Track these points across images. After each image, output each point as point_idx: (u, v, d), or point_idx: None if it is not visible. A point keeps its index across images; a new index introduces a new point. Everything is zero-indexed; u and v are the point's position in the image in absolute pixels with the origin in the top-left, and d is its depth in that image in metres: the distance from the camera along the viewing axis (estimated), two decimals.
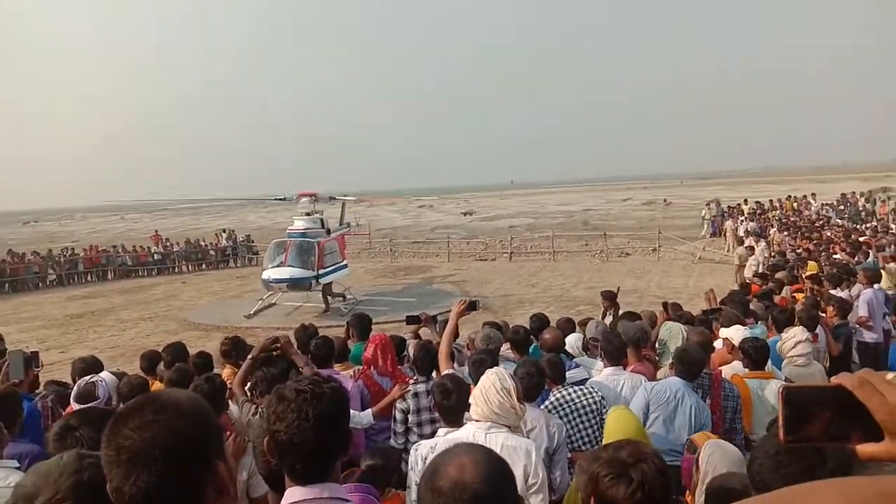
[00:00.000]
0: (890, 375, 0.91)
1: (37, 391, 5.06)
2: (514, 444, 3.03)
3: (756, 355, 4.91)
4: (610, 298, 9.10)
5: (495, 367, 3.48)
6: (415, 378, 4.79)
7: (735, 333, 5.35)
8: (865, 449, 0.88)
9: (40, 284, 27.92)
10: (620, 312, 7.79)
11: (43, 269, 28.48)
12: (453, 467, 1.47)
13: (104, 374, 4.53)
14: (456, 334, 5.46)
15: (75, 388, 4.33)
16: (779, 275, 10.93)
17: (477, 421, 3.12)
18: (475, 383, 3.54)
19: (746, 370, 4.99)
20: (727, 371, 5.04)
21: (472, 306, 5.14)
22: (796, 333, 5.60)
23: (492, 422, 3.08)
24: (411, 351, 5.87)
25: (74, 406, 4.17)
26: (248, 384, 4.25)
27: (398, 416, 4.61)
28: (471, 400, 3.22)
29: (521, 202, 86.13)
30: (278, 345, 4.31)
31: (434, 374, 4.72)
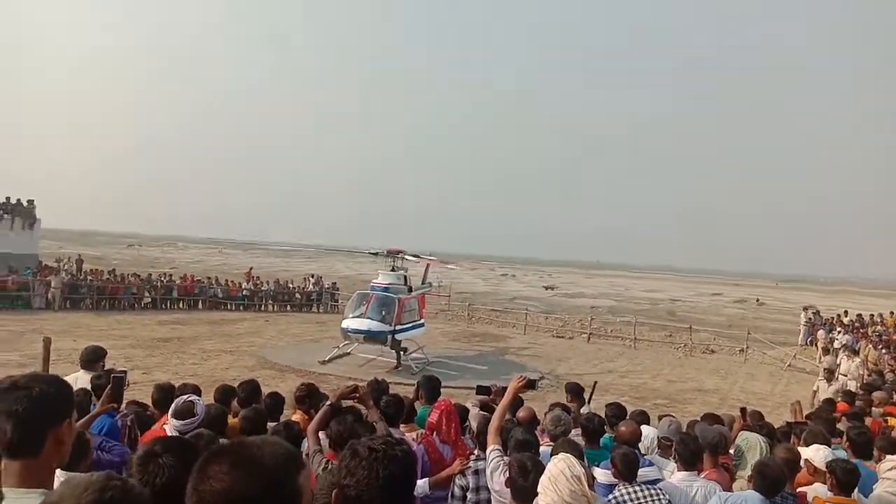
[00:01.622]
0: None
1: (119, 409, 5.30)
2: None
3: (844, 478, 4.58)
4: (574, 392, 7.71)
5: (563, 454, 3.41)
6: (476, 454, 4.70)
7: (816, 454, 5.02)
8: None
9: (136, 305, 29.42)
10: (702, 414, 7.43)
11: (140, 291, 30.04)
12: None
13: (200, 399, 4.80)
14: (512, 413, 5.37)
15: (174, 404, 4.57)
16: (876, 395, 10.21)
17: None
18: (516, 463, 3.47)
19: (830, 493, 4.67)
20: (809, 493, 4.72)
21: (530, 385, 5.04)
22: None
23: None
24: (473, 422, 5.80)
25: (172, 422, 4.41)
26: (330, 434, 4.29)
27: (457, 491, 4.52)
28: (539, 488, 3.14)
29: (606, 283, 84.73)
30: (357, 394, 4.35)
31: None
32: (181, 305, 30.87)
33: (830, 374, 13.64)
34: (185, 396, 4.64)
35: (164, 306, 30.24)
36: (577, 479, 3.07)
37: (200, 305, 31.17)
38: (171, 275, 34.41)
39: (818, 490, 4.81)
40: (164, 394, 5.65)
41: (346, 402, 4.58)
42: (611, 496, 4.17)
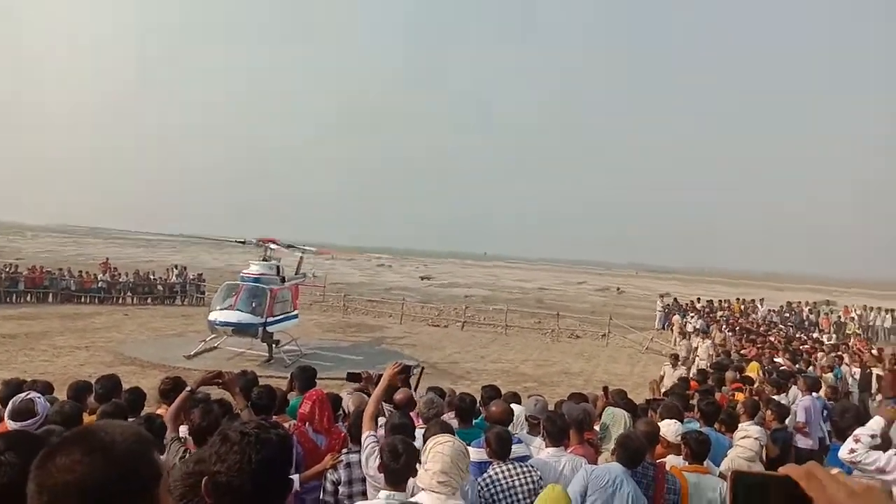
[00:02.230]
0: (835, 471, 0.95)
1: None
2: None
3: (697, 448, 4.95)
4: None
5: (444, 433, 3.47)
6: (348, 447, 4.66)
7: (668, 429, 5.40)
8: None
9: None
10: (569, 394, 7.78)
11: None
12: None
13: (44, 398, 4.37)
14: (387, 397, 5.39)
15: (10, 404, 4.15)
16: (727, 374, 11.10)
17: (431, 491, 3.09)
18: (387, 447, 3.48)
19: (685, 462, 5.02)
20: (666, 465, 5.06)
21: (405, 370, 5.10)
22: (754, 432, 5.78)
23: (438, 489, 3.06)
24: (349, 408, 5.75)
25: (9, 423, 4.01)
26: (192, 425, 4.10)
27: (328, 486, 4.47)
28: (425, 465, 3.16)
29: (480, 273, 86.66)
30: (220, 380, 4.18)
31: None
32: (29, 299, 28.48)
33: (675, 360, 14.89)
34: (24, 394, 4.21)
35: (9, 300, 27.77)
36: (461, 454, 3.16)
37: (51, 299, 28.89)
38: (16, 265, 31.59)
39: (671, 461, 5.17)
40: (12, 390, 5.17)
41: (210, 390, 4.39)
42: (486, 474, 4.26)
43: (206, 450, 1.85)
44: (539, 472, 4.36)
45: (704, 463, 5.01)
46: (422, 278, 63.74)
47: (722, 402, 8.30)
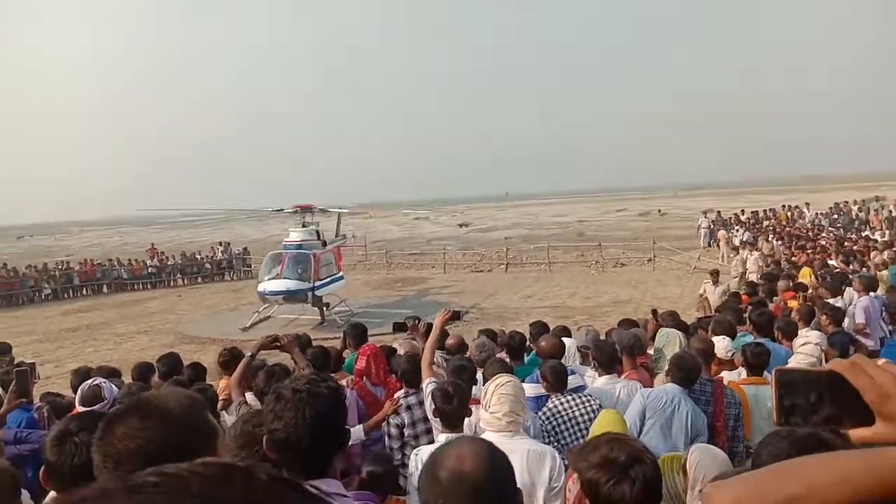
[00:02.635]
0: (881, 361, 0.93)
1: (34, 403, 5.05)
2: (539, 449, 3.10)
3: (754, 360, 4.91)
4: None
5: (504, 373, 3.52)
6: (405, 391, 4.76)
7: (717, 345, 5.36)
8: (857, 433, 0.89)
9: (35, 298, 27.83)
10: (619, 320, 7.77)
11: (38, 284, 28.41)
12: (453, 458, 1.48)
13: (111, 382, 4.56)
14: (441, 344, 5.46)
15: (79, 391, 4.34)
16: (780, 283, 10.91)
17: (494, 431, 3.14)
18: (438, 391, 3.54)
19: (742, 376, 5.00)
20: (725, 377, 5.05)
21: (455, 316, 5.14)
22: (813, 337, 5.73)
23: (507, 428, 3.11)
24: (402, 350, 5.86)
25: (79, 409, 4.18)
26: (255, 387, 4.24)
27: (393, 431, 4.58)
28: (494, 407, 3.20)
29: (517, 213, 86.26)
30: (279, 343, 4.29)
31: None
32: (85, 292, 29.46)
33: (716, 276, 14.02)
34: (90, 381, 4.39)
35: (66, 295, 28.76)
36: (522, 391, 3.21)
37: (105, 290, 29.81)
38: (68, 262, 32.59)
39: (726, 377, 5.16)
40: (82, 378, 5.40)
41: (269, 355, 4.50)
42: (546, 407, 4.32)
43: (263, 408, 1.91)
44: (598, 400, 4.40)
45: (763, 374, 4.97)
46: (460, 226, 63.76)
47: (776, 311, 8.19)
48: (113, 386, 4.48)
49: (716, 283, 13.73)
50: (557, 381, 4.41)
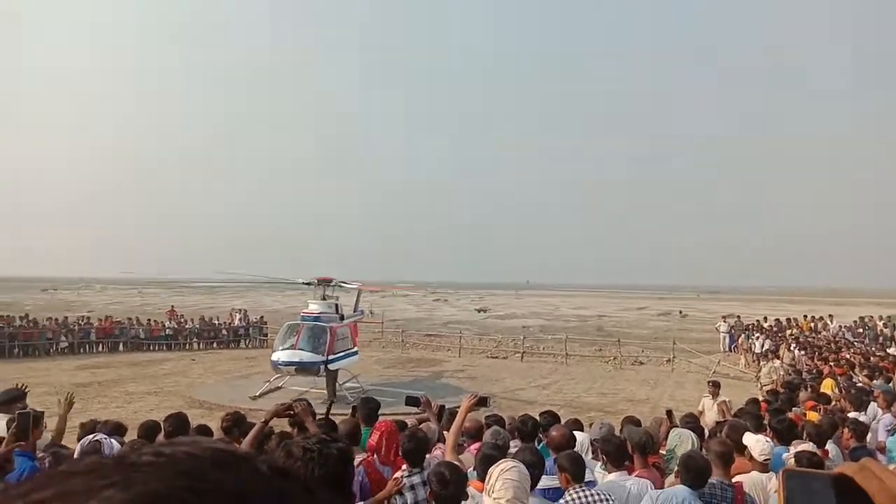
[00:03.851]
0: (892, 466, 0.93)
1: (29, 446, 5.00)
2: None
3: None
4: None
5: (511, 460, 3.47)
6: (408, 470, 4.65)
7: (756, 445, 5.22)
8: None
9: (51, 351, 27.99)
10: (622, 418, 7.64)
11: (56, 336, 28.62)
12: None
13: (113, 439, 4.53)
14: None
15: (79, 445, 4.32)
16: (801, 395, 10.70)
17: None
18: (479, 478, 3.50)
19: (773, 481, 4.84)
20: (745, 480, 4.88)
21: (482, 402, 5.09)
22: (807, 447, 5.54)
23: None
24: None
25: None
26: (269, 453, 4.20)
27: None
28: (498, 493, 3.15)
29: (536, 303, 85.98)
30: (293, 412, 4.27)
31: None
32: (101, 348, 29.59)
33: (716, 388, 12.33)
34: (92, 436, 4.37)
35: (82, 350, 28.92)
36: (526, 478, 3.16)
37: (122, 347, 29.93)
38: (88, 317, 32.90)
39: (754, 478, 4.99)
40: (88, 432, 5.44)
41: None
42: (563, 500, 4.21)
43: None
44: (614, 498, 4.29)
45: None
46: (478, 311, 63.62)
47: (796, 421, 8.00)
48: (114, 442, 4.46)
49: (715, 395, 12.00)
50: (577, 471, 4.30)
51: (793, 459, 5.28)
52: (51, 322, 29.64)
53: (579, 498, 4.20)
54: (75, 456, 4.25)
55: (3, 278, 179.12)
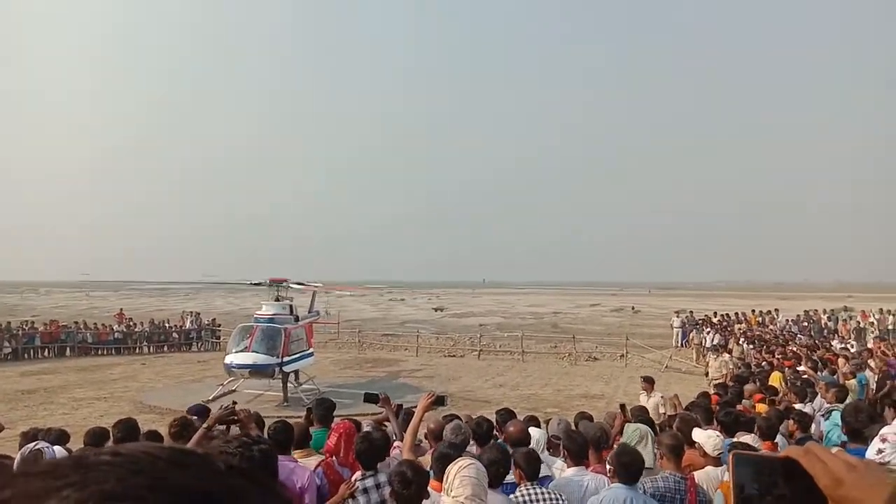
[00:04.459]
0: (834, 450, 0.97)
1: None
2: None
3: None
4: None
5: (468, 458, 3.46)
6: (362, 473, 4.57)
7: (708, 441, 5.31)
8: None
9: None
10: (575, 413, 7.73)
11: None
12: None
13: (55, 447, 4.36)
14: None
15: (19, 455, 4.16)
16: (748, 386, 10.99)
17: None
18: (436, 477, 3.48)
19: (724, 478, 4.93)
20: (700, 476, 4.97)
21: (439, 401, 5.06)
22: (748, 440, 5.68)
23: None
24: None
25: None
26: None
27: None
28: (457, 490, 3.13)
29: (492, 301, 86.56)
30: (235, 417, 4.18)
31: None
32: (46, 354, 28.62)
33: (650, 384, 12.13)
34: (33, 444, 4.21)
35: (27, 356, 27.90)
36: (484, 475, 3.16)
37: (68, 352, 28.99)
38: (32, 322, 31.81)
39: (709, 472, 5.08)
40: (29, 440, 5.21)
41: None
42: (513, 496, 4.22)
43: None
44: (564, 496, 4.32)
45: None
46: (435, 310, 63.71)
47: (746, 413, 8.21)
48: (56, 451, 4.29)
49: (648, 391, 11.75)
50: (531, 468, 4.33)
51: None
52: None
53: (530, 495, 4.23)
54: (16, 466, 4.08)
55: None
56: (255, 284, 21.31)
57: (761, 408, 9.50)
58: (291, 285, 20.72)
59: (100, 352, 29.59)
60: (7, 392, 19.36)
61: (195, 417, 6.74)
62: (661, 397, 11.49)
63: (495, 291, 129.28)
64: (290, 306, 19.67)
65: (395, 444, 5.32)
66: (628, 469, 4.22)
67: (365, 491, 4.44)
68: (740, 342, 23.31)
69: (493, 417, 7.50)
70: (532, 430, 5.95)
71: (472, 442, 5.50)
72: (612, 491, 4.25)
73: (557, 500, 4.25)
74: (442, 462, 4.09)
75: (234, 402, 4.72)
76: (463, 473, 3.14)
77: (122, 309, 37.54)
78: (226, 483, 0.56)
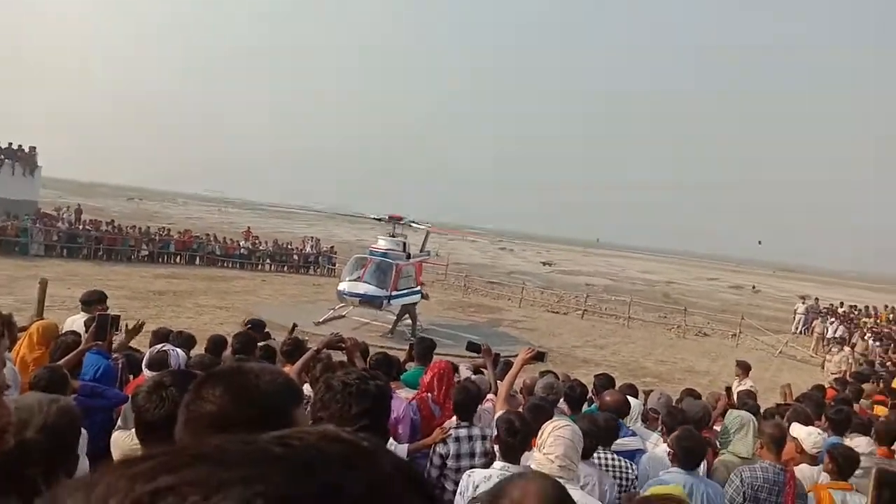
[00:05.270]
0: None
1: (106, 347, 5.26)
2: (586, 502, 3.02)
3: (845, 465, 4.50)
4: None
5: (566, 419, 3.47)
6: (457, 422, 4.60)
7: (808, 437, 5.01)
8: None
9: (132, 257, 29.38)
10: (682, 390, 7.49)
11: (138, 244, 29.98)
12: (518, 490, 1.46)
13: (179, 350, 4.73)
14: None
15: (147, 354, 4.53)
16: (867, 386, 10.30)
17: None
18: (504, 422, 3.51)
19: (825, 476, 4.67)
20: (797, 473, 4.72)
21: (539, 356, 5.01)
22: (862, 443, 5.29)
23: (558, 474, 3.04)
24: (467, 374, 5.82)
25: (146, 372, 4.33)
26: (313, 379, 4.33)
27: (436, 459, 4.46)
28: (549, 449, 3.15)
29: (603, 262, 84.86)
30: (344, 345, 4.36)
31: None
32: (178, 260, 30.85)
33: (743, 373, 10.78)
34: (160, 346, 4.56)
35: (160, 260, 30.20)
36: (580, 438, 3.16)
37: (197, 261, 31.12)
38: (169, 229, 34.34)
39: (804, 471, 4.82)
40: (160, 339, 5.69)
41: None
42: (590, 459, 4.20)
43: (313, 396, 1.95)
44: (636, 472, 4.27)
45: (849, 480, 4.61)
46: (543, 264, 63.25)
47: (861, 414, 7.69)
48: (180, 353, 4.62)
49: (741, 378, 10.49)
50: (606, 435, 4.28)
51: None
52: (134, 230, 31.02)
53: (600, 460, 4.21)
54: (143, 364, 4.46)
55: (95, 183, 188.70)
56: (377, 220, 21.91)
57: (880, 410, 8.90)
58: (409, 223, 21.19)
59: (226, 264, 31.56)
60: (141, 291, 21.13)
61: (248, 327, 7.11)
62: (751, 387, 10.31)
63: (608, 253, 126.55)
64: (404, 244, 20.12)
65: (489, 396, 5.38)
66: (690, 454, 4.03)
67: (457, 440, 4.52)
68: (866, 337, 21.77)
69: (589, 379, 7.44)
70: (631, 400, 5.83)
71: (564, 402, 5.48)
72: (671, 476, 4.05)
73: (627, 469, 4.26)
74: (535, 413, 4.11)
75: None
76: (558, 433, 3.13)
77: (249, 227, 39.79)
78: (391, 489, 0.56)
